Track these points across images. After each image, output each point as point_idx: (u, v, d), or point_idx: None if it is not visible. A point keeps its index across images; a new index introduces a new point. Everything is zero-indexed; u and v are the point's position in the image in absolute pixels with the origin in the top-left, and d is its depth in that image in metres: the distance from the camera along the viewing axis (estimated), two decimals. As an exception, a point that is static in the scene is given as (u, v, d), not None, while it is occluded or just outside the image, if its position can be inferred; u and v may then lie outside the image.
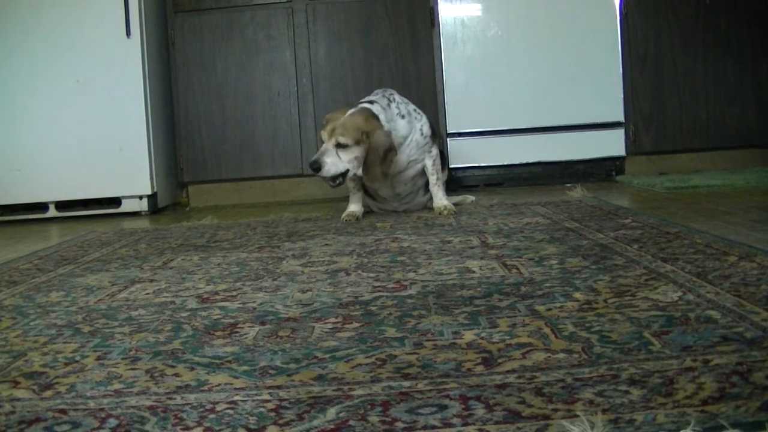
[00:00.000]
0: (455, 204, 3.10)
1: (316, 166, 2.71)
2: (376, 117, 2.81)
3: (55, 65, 3.73)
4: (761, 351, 1.03)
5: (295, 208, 3.70)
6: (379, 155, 2.73)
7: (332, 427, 0.88)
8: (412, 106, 2.99)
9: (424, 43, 3.96)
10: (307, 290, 1.66)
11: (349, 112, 2.78)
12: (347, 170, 2.75)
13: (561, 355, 1.08)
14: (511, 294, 1.49)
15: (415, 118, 2.95)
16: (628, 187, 3.60)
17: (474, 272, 1.73)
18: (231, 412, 0.94)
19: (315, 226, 2.80)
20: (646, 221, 2.29)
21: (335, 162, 2.72)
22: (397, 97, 2.98)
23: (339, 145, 2.72)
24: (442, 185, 3.05)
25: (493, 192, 3.81)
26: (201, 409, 0.96)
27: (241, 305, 1.55)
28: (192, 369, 1.13)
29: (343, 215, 2.98)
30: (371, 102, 2.90)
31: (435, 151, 3.00)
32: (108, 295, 1.74)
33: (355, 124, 2.73)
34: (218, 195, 4.16)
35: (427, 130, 2.95)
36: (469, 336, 1.21)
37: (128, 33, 3.72)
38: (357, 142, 2.72)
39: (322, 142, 2.79)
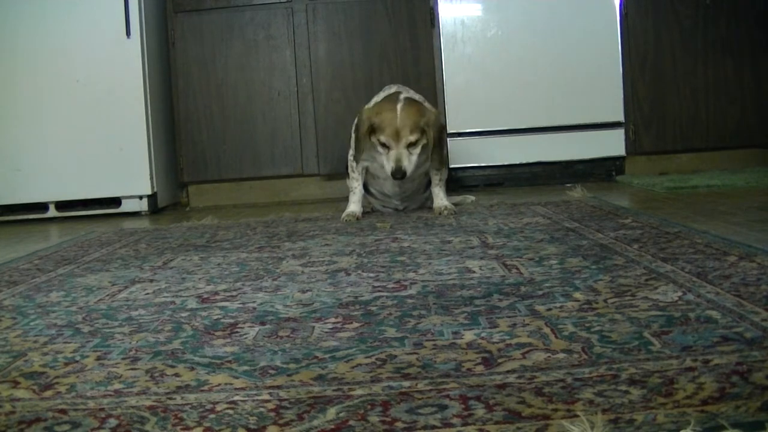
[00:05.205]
0: (455, 204, 3.10)
1: (401, 173, 2.77)
2: (420, 102, 2.91)
3: (55, 65, 3.73)
4: (761, 351, 1.03)
5: (295, 208, 3.70)
6: (443, 139, 2.93)
7: (332, 427, 0.88)
8: (421, 98, 3.01)
9: (424, 43, 3.96)
10: (307, 290, 1.66)
11: (399, 107, 2.82)
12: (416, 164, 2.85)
13: (561, 355, 1.08)
14: (511, 294, 1.49)
15: (429, 110, 2.95)
16: (628, 187, 3.59)
17: (474, 272, 1.73)
18: (231, 412, 0.94)
19: (315, 226, 2.80)
20: (646, 221, 2.28)
21: (411, 161, 2.80)
22: (409, 90, 3.02)
23: (410, 145, 2.79)
24: (443, 186, 3.05)
25: (493, 192, 3.81)
26: (201, 409, 0.96)
27: (241, 305, 1.55)
28: (192, 369, 1.13)
29: (343, 215, 2.98)
30: (398, 91, 2.96)
31: (444, 151, 3.01)
32: (108, 295, 1.74)
33: (415, 120, 2.80)
34: (218, 195, 4.16)
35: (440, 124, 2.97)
36: (469, 336, 1.21)
37: (128, 33, 3.72)
38: (422, 135, 2.81)
39: (370, 142, 2.84)
